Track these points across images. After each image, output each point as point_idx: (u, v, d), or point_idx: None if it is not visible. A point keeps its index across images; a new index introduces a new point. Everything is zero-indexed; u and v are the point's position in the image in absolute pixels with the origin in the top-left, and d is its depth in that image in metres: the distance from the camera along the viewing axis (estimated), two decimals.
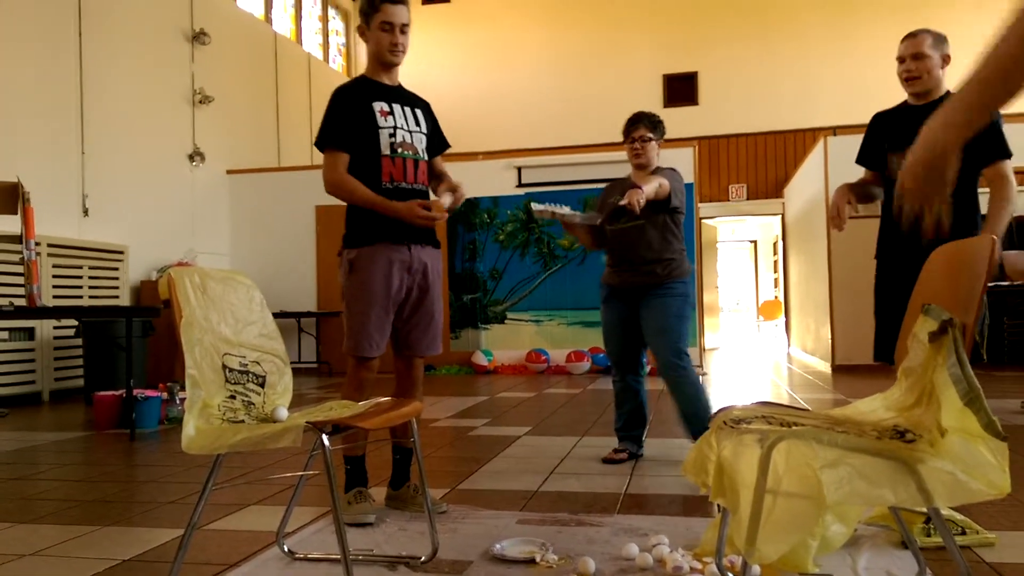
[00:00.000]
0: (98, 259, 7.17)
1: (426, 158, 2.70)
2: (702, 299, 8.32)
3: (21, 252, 4.16)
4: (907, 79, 2.80)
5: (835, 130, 8.76)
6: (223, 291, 2.12)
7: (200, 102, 8.86)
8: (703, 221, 10.67)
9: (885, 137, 2.93)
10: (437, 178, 2.81)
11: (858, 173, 3.07)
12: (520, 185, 8.85)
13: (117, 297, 7.37)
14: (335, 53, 13.19)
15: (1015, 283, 2.95)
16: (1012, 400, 4.92)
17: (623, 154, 10.11)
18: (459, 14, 12.96)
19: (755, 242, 20.13)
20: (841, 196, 2.80)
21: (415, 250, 2.59)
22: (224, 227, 9.31)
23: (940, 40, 2.81)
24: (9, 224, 4.90)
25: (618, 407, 3.54)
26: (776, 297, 17.78)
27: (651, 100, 12.29)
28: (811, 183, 8.52)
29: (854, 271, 7.46)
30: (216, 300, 2.07)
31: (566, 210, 3.20)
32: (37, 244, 4.79)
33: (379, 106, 2.59)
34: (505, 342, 8.65)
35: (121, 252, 7.45)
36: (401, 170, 2.59)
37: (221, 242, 9.22)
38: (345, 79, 11.48)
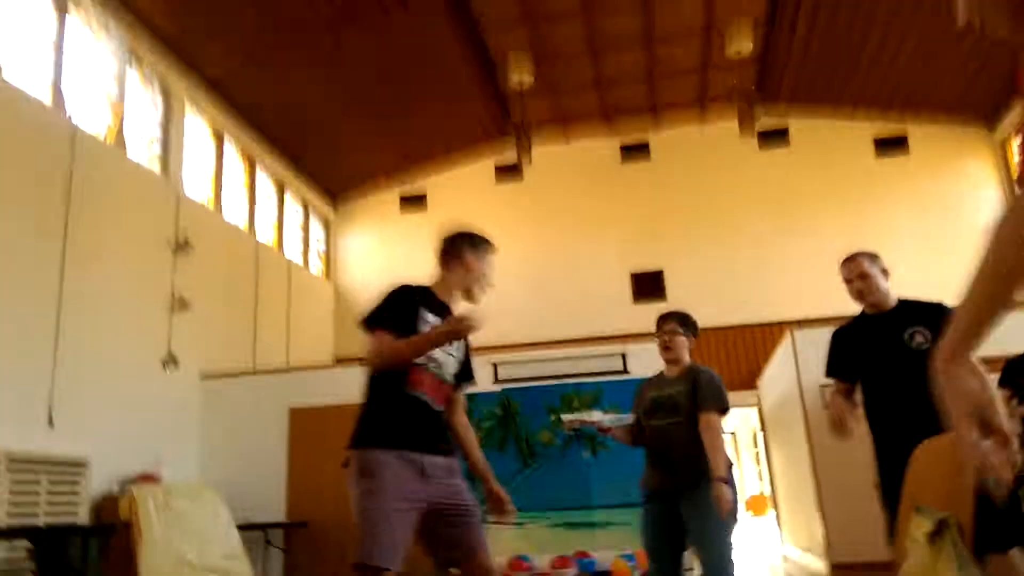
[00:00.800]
0: (59, 472, 6.87)
1: (451, 382, 2.75)
2: None
3: None
4: (860, 297, 3.21)
5: (800, 323, 9.03)
6: (188, 508, 2.02)
7: (178, 308, 8.97)
8: None
9: (850, 348, 3.25)
10: (453, 407, 2.81)
11: (822, 369, 3.28)
12: (497, 381, 8.85)
13: (76, 514, 6.98)
14: (315, 258, 13.65)
15: None
16: None
17: (596, 348, 10.12)
18: (433, 218, 13.62)
19: (734, 434, 19.99)
20: (841, 407, 3.01)
21: (427, 458, 2.54)
22: (194, 433, 9.06)
23: (875, 258, 3.23)
24: None
25: None
26: (761, 492, 17.36)
27: (621, 296, 12.73)
28: (783, 375, 8.63)
29: (839, 461, 7.35)
30: (180, 518, 1.96)
31: (596, 416, 3.37)
32: None
33: (429, 317, 2.68)
34: None
35: (83, 464, 7.15)
36: (429, 384, 2.62)
37: (190, 449, 8.93)
38: (324, 282, 11.66)
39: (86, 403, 7.43)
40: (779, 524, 11.25)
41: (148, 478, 7.45)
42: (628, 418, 3.52)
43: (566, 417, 3.39)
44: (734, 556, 3.23)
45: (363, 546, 2.37)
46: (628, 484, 8.20)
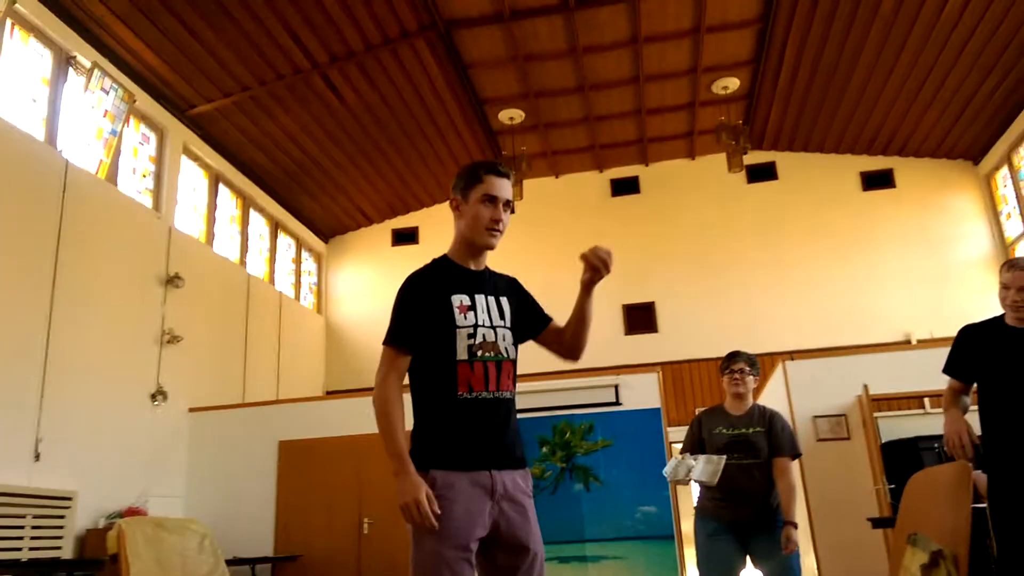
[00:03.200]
0: (43, 507, 6.76)
1: (511, 357, 2.36)
2: (679, 527, 8.01)
3: None
4: (1014, 308, 2.92)
5: (791, 354, 9.04)
6: (176, 541, 1.99)
7: (168, 342, 8.92)
8: (672, 445, 10.58)
9: (976, 349, 3.04)
10: (572, 325, 2.52)
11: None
12: None
13: (60, 548, 6.86)
14: (306, 291, 13.62)
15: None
16: None
17: (589, 379, 10.00)
18: (425, 252, 13.62)
19: None
20: (963, 427, 2.76)
21: (496, 475, 2.14)
22: (181, 467, 8.95)
23: None
24: None
25: None
26: None
27: (613, 328, 12.72)
28: (775, 405, 8.60)
29: (831, 493, 7.32)
30: (168, 552, 1.94)
31: (696, 472, 3.51)
32: None
33: (459, 300, 2.25)
34: None
35: (69, 499, 7.04)
36: (481, 377, 2.20)
37: (177, 483, 8.82)
38: (315, 315, 11.59)
39: (74, 437, 7.34)
40: None
41: (134, 512, 7.34)
42: (720, 462, 3.58)
43: (668, 475, 3.65)
44: None
45: None
46: (620, 518, 8.18)
